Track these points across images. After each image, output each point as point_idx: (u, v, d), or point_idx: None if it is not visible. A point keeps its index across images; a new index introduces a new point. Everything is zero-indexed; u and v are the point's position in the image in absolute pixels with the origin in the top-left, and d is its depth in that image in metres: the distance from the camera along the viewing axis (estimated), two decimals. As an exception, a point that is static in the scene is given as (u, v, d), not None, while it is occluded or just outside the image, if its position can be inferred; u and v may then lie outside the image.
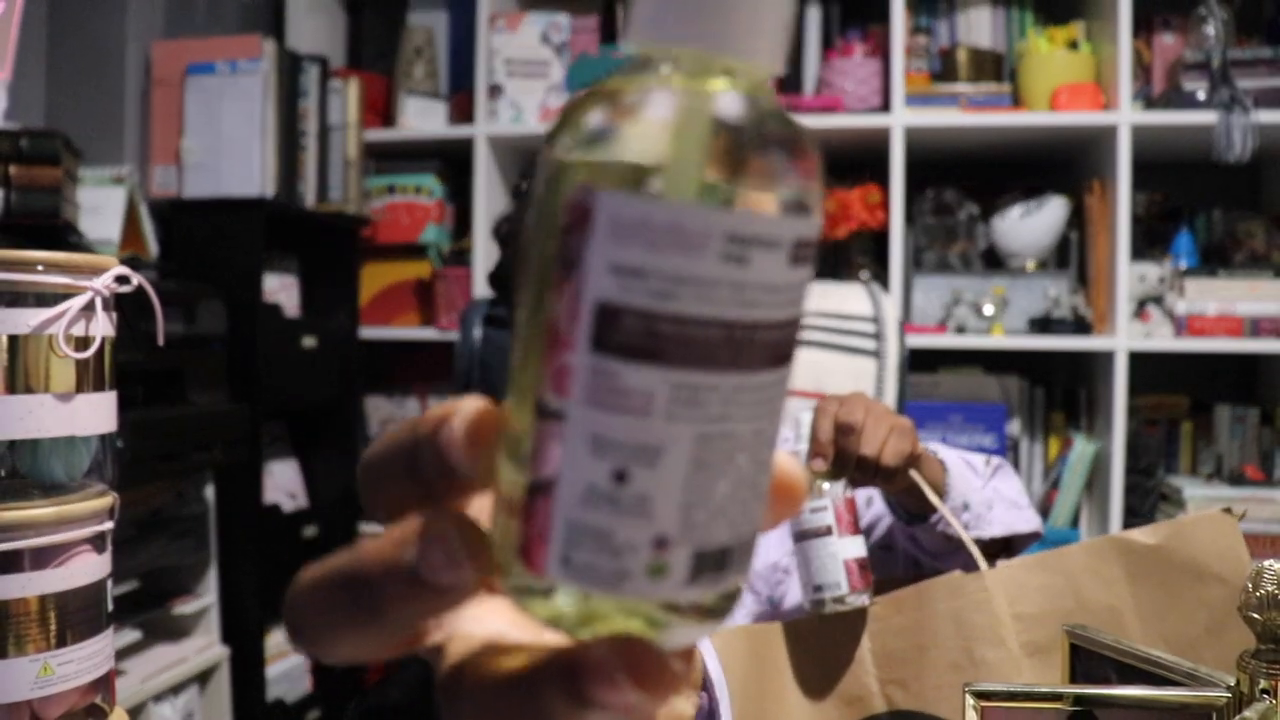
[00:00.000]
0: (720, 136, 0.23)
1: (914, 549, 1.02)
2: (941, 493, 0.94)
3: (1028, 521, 1.04)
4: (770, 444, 0.25)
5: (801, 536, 0.87)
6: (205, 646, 1.61)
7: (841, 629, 0.85)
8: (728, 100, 0.23)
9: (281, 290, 1.98)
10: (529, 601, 0.25)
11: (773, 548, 1.05)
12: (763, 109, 0.23)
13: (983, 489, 1.02)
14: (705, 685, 0.49)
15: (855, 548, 0.86)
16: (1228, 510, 0.77)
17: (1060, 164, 2.11)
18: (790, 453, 0.96)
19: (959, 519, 0.95)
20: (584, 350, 0.23)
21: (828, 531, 0.86)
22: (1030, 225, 1.96)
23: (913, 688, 0.82)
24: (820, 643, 0.85)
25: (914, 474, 0.91)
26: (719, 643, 0.81)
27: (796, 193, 0.23)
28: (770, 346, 0.24)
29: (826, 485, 0.88)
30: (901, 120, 1.90)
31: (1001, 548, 1.02)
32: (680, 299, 0.22)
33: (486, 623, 0.29)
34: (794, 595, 1.04)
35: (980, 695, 0.53)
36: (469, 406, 0.25)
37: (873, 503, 1.07)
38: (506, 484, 0.25)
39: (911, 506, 0.96)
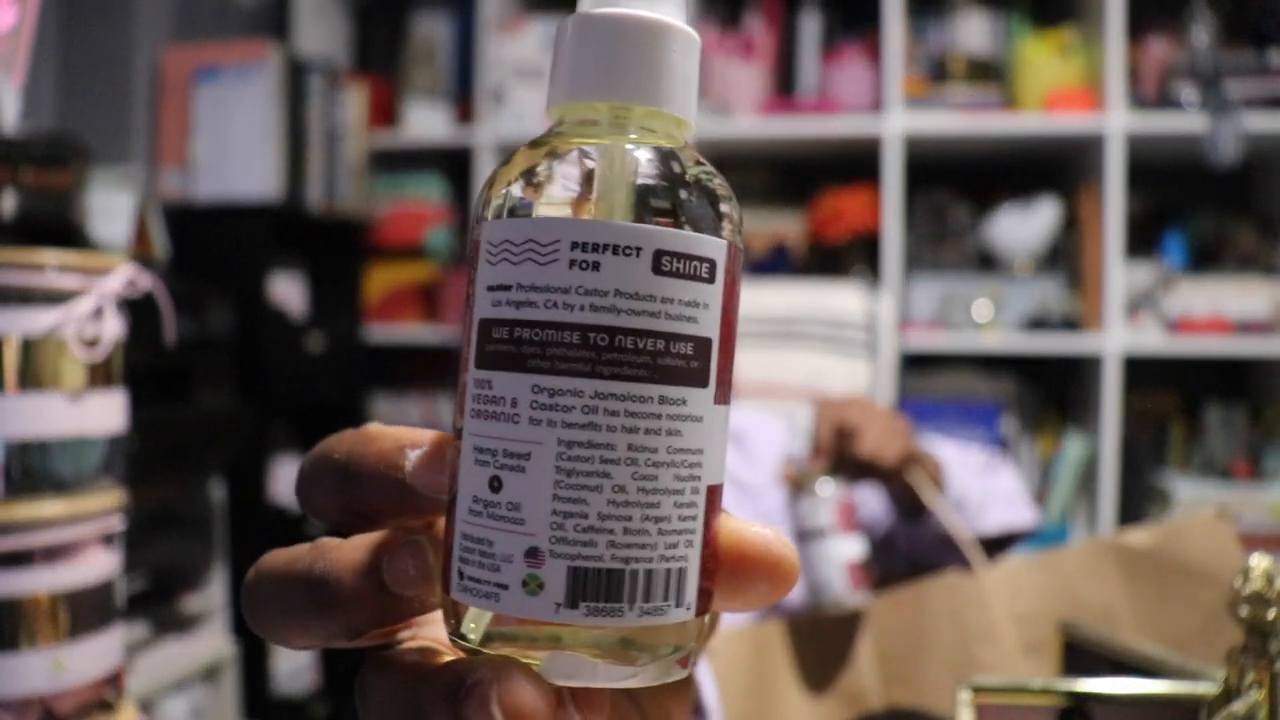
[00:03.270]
0: (581, 168, 0.25)
1: (912, 547, 1.03)
2: (938, 491, 0.96)
3: (1024, 517, 1.05)
4: (675, 471, 0.25)
5: (800, 537, 0.88)
6: (213, 642, 1.63)
7: (841, 627, 0.86)
8: (585, 147, 0.26)
9: (288, 291, 2.00)
10: (450, 635, 0.26)
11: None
12: (620, 152, 0.26)
13: (979, 486, 1.03)
14: (700, 711, 0.51)
15: (854, 548, 0.87)
16: (1221, 512, 0.79)
17: (1053, 166, 2.12)
18: (788, 454, 0.98)
19: (955, 517, 0.96)
20: (471, 366, 0.25)
21: (826, 532, 0.87)
22: (1023, 227, 1.97)
23: (912, 685, 0.83)
24: (820, 641, 0.86)
25: (911, 473, 0.92)
26: (719, 643, 0.82)
27: (662, 210, 0.25)
28: (642, 356, 0.24)
29: (825, 486, 0.89)
30: (896, 123, 1.92)
31: (999, 544, 1.04)
32: (535, 306, 0.24)
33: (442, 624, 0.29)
34: (794, 595, 1.05)
35: (975, 689, 0.53)
36: (430, 434, 0.27)
37: (870, 501, 1.08)
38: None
39: (909, 505, 0.97)
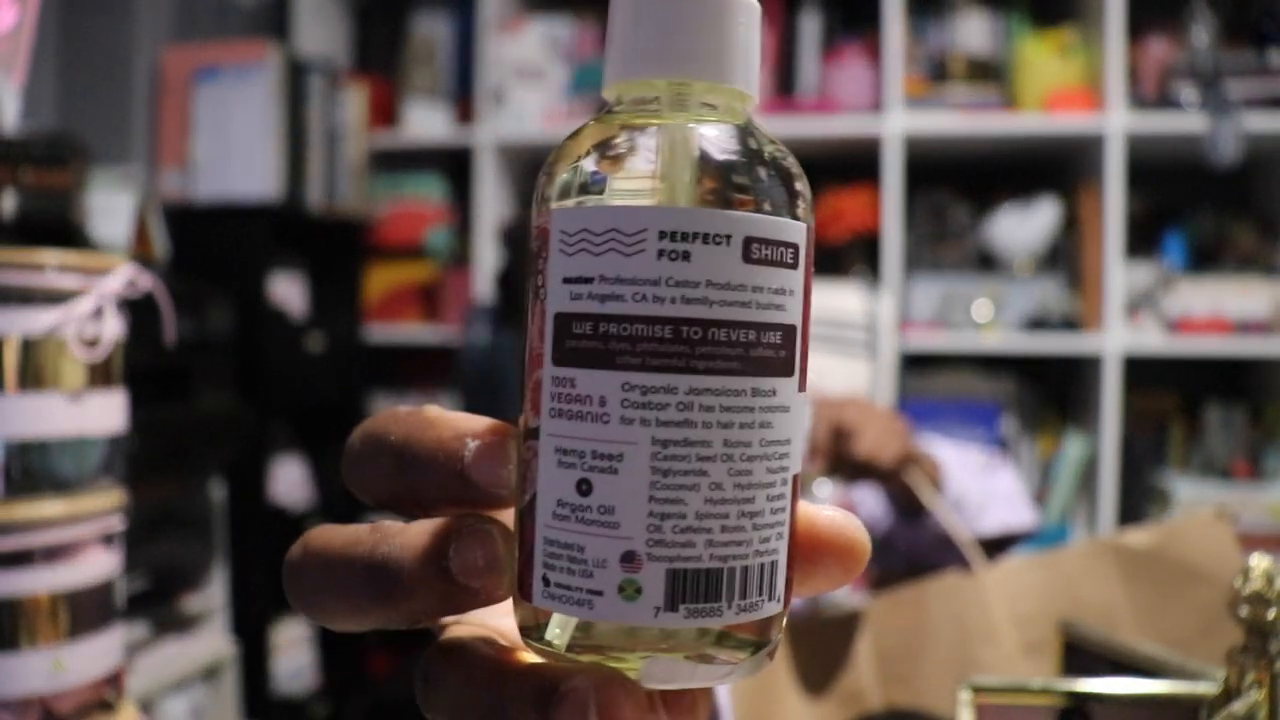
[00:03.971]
0: (658, 143, 0.24)
1: (911, 547, 1.03)
2: (937, 491, 0.96)
3: (1024, 518, 1.05)
4: (768, 464, 0.24)
5: None
6: (213, 642, 1.63)
7: (840, 628, 0.85)
8: (659, 125, 0.25)
9: (288, 291, 2.00)
10: (526, 638, 0.25)
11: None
12: (690, 132, 0.24)
13: (978, 487, 1.03)
14: (715, 716, 0.50)
15: None
16: (1221, 512, 0.79)
17: (1053, 166, 2.12)
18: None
19: (954, 517, 0.96)
20: (548, 363, 0.24)
21: None
22: (1023, 227, 1.97)
23: (911, 685, 0.83)
24: (819, 642, 0.85)
25: (909, 474, 0.92)
26: None
27: (744, 189, 0.24)
28: (735, 348, 0.23)
29: (823, 487, 0.89)
30: (896, 123, 1.92)
31: (999, 544, 1.03)
32: (622, 299, 0.23)
33: (500, 612, 0.27)
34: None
35: (975, 689, 0.53)
36: (490, 424, 0.25)
37: (869, 502, 1.08)
38: (515, 512, 0.25)
39: (908, 505, 0.97)
